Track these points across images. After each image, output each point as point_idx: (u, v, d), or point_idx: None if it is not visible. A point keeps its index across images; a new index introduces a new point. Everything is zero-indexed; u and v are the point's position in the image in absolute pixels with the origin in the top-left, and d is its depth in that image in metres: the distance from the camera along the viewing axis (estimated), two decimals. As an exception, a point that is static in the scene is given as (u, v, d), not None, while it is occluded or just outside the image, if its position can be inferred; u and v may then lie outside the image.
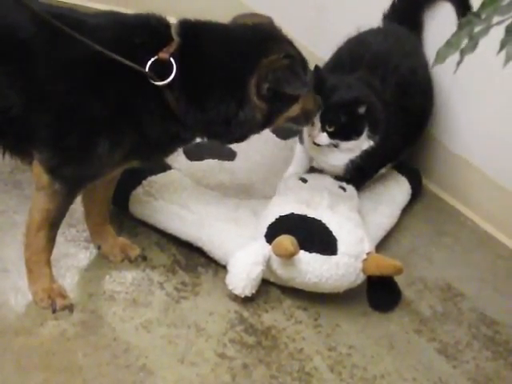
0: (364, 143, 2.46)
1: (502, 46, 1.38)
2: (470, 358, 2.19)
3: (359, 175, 2.53)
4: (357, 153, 2.47)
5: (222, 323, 2.20)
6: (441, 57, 1.47)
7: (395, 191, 2.65)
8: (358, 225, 2.34)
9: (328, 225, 2.29)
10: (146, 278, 2.30)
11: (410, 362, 2.16)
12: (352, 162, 2.48)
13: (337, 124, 2.40)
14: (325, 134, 2.42)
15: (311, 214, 2.31)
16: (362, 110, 2.39)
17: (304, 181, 2.44)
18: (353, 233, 2.30)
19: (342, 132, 2.42)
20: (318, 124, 2.41)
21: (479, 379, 2.13)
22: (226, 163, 2.66)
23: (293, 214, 2.31)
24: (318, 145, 2.44)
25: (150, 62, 1.91)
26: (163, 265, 2.36)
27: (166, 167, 2.52)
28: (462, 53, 1.43)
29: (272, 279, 2.33)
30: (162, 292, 2.26)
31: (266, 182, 2.61)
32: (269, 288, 2.33)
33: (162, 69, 1.92)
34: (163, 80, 1.92)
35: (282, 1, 3.28)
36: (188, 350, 2.10)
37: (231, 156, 2.69)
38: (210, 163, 2.64)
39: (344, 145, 2.44)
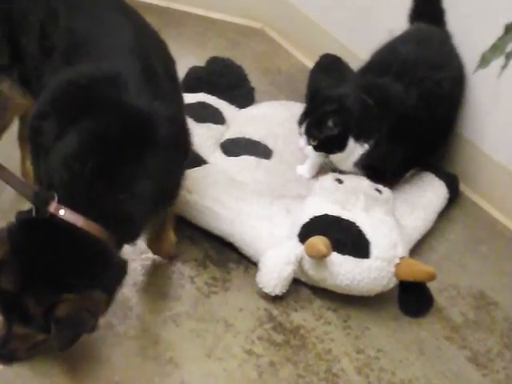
0: (357, 149, 2.47)
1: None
2: (500, 368, 2.16)
3: (377, 175, 2.51)
4: (356, 157, 2.48)
5: (251, 320, 2.20)
6: (485, 61, 1.45)
7: (432, 195, 2.62)
8: (393, 228, 2.32)
9: (362, 227, 2.27)
10: (177, 272, 2.30)
11: (439, 368, 2.14)
12: (357, 164, 2.50)
13: (317, 138, 2.46)
14: (310, 148, 2.48)
15: (346, 215, 2.29)
16: (330, 123, 2.42)
17: (340, 182, 2.42)
18: (387, 237, 2.28)
19: (323, 146, 2.47)
20: (304, 137, 2.48)
21: (509, 389, 2.11)
22: (263, 161, 2.65)
23: (327, 214, 2.30)
24: None
25: None
26: (194, 259, 2.36)
27: (201, 161, 2.51)
28: (508, 56, 1.42)
29: (303, 279, 2.32)
30: (193, 286, 2.26)
31: (301, 181, 2.60)
32: (299, 287, 2.32)
33: None
34: None
35: (326, 1, 3.28)
36: (216, 345, 2.09)
37: (267, 154, 2.68)
38: (246, 159, 2.62)
39: (332, 157, 2.50)
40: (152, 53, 1.99)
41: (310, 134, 2.46)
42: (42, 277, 1.73)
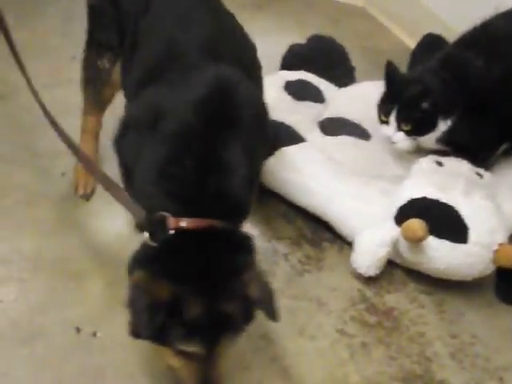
0: (441, 126, 2.42)
1: None
2: None
3: (462, 151, 2.47)
4: (439, 134, 2.45)
5: (344, 300, 2.20)
6: None
7: (534, 180, 2.55)
8: (492, 214, 2.27)
9: (461, 212, 2.23)
10: (271, 249, 2.31)
11: (536, 357, 2.09)
12: (441, 140, 2.47)
13: (410, 123, 2.42)
14: (400, 134, 2.44)
15: (444, 199, 2.26)
16: (425, 105, 2.38)
17: (440, 164, 2.38)
18: (486, 222, 2.23)
19: (417, 129, 2.43)
20: (393, 123, 2.42)
21: None
22: (360, 141, 2.63)
23: (425, 197, 2.27)
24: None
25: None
26: (289, 237, 2.37)
27: (299, 139, 2.51)
28: None
29: (398, 261, 2.30)
30: (286, 263, 2.27)
31: (399, 163, 2.57)
32: (394, 270, 2.31)
33: None
34: None
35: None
36: (308, 323, 2.10)
37: (366, 136, 2.66)
38: (344, 139, 2.61)
39: (421, 139, 2.46)
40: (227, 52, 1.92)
41: (403, 120, 2.43)
42: (218, 284, 1.63)
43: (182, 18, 1.96)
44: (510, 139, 2.59)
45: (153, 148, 1.74)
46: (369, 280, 2.26)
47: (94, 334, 1.96)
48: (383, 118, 2.47)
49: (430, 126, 2.42)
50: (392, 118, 2.44)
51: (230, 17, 2.09)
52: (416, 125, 2.42)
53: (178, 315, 1.57)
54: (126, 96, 2.08)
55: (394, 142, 2.47)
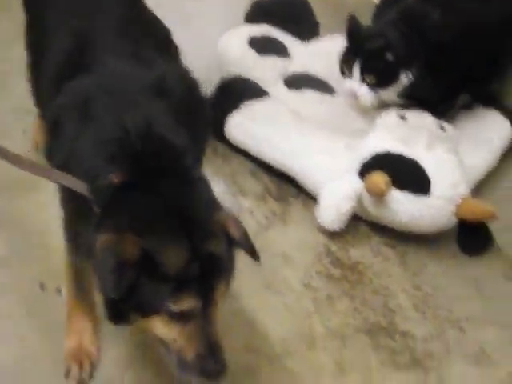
0: (402, 79, 2.42)
1: None
2: (558, 307, 2.16)
3: (423, 104, 2.47)
4: (400, 88, 2.44)
5: (310, 255, 2.22)
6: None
7: (496, 133, 2.57)
8: (455, 167, 2.30)
9: (424, 165, 2.25)
10: (236, 204, 2.32)
11: (496, 306, 2.14)
12: (402, 94, 2.47)
13: (375, 75, 2.41)
14: (365, 87, 2.43)
15: (407, 153, 2.27)
16: (388, 57, 2.38)
17: (403, 118, 2.40)
18: (448, 175, 2.26)
19: (381, 81, 2.42)
20: (356, 76, 2.42)
21: None
22: (325, 96, 2.63)
23: (388, 151, 2.28)
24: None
25: None
26: (254, 192, 2.38)
27: (264, 93, 2.51)
28: None
29: (362, 215, 2.32)
30: (252, 219, 2.28)
31: (364, 117, 2.58)
32: (358, 224, 2.33)
33: None
34: None
35: None
36: (274, 278, 2.12)
37: (330, 91, 2.66)
38: (308, 94, 2.61)
39: (384, 93, 2.45)
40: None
41: (366, 72, 2.42)
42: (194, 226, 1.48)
43: (88, 5, 1.85)
44: (468, 91, 2.61)
45: (90, 128, 1.60)
46: (334, 234, 2.28)
47: (59, 291, 1.97)
48: (346, 72, 2.46)
49: (392, 79, 2.42)
50: (355, 71, 2.43)
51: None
52: (379, 77, 2.42)
53: (159, 272, 1.40)
54: (39, 101, 1.92)
55: (357, 96, 2.47)
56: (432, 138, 2.32)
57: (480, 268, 2.26)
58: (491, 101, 2.70)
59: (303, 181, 2.38)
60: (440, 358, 2.00)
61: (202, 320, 1.47)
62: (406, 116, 2.40)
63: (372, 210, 2.27)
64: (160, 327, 1.47)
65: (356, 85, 2.45)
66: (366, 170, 2.26)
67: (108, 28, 1.78)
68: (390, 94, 2.47)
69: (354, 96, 2.48)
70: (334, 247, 2.25)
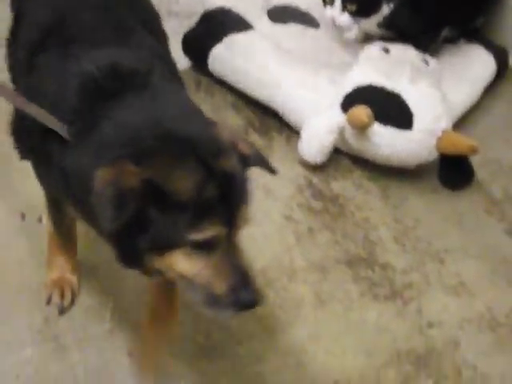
0: (384, 10, 2.41)
1: None
2: (537, 240, 2.18)
3: (404, 35, 2.46)
4: (380, 18, 2.43)
5: (291, 187, 2.22)
6: None
7: (479, 68, 2.56)
8: (437, 101, 2.29)
9: (406, 99, 2.24)
10: (218, 137, 2.31)
11: (476, 240, 2.15)
12: (382, 24, 2.45)
13: (356, 2, 2.38)
14: (346, 14, 2.41)
15: (390, 86, 2.26)
16: None
17: (386, 51, 2.38)
18: (430, 109, 2.25)
19: (362, 9, 2.40)
20: (338, 4, 2.39)
21: (545, 262, 2.12)
22: (309, 29, 2.61)
23: (371, 84, 2.27)
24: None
25: None
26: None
27: (247, 26, 2.48)
28: None
29: (344, 149, 2.32)
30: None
31: (347, 50, 2.56)
32: (340, 157, 2.33)
33: None
34: None
35: None
36: (255, 210, 2.12)
37: (315, 24, 2.64)
38: (292, 27, 2.59)
39: (365, 22, 2.43)
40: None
41: (350, 0, 2.39)
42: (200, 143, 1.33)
43: None
44: (451, 24, 2.58)
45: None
46: (315, 167, 2.28)
47: (40, 220, 1.97)
48: (328, 0, 2.43)
49: (373, 7, 2.40)
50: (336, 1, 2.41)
51: None
52: (361, 5, 2.39)
53: (171, 200, 1.27)
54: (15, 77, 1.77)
55: (338, 24, 2.44)
56: (415, 72, 2.31)
57: (461, 202, 2.27)
58: (476, 36, 2.69)
59: (286, 114, 2.37)
60: (419, 289, 2.02)
61: (227, 248, 1.34)
62: (390, 49, 2.38)
63: (354, 143, 2.26)
64: (181, 262, 1.32)
65: (337, 13, 2.42)
66: (348, 103, 2.25)
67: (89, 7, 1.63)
68: (371, 23, 2.45)
69: (334, 24, 2.45)
70: (315, 180, 2.25)
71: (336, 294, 1.97)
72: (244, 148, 1.39)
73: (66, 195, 1.51)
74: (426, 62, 2.38)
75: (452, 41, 2.66)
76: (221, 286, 1.34)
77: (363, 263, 2.06)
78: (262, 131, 2.38)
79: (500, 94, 2.63)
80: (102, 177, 1.28)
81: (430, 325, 1.93)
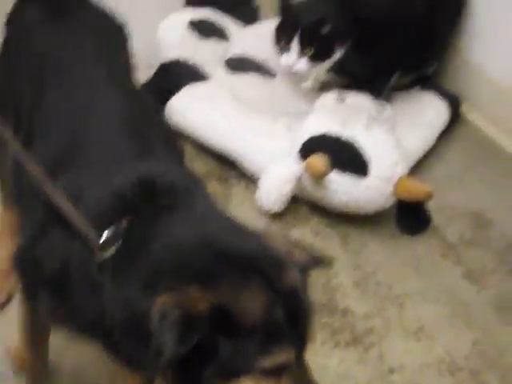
0: (337, 54, 2.44)
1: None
2: (494, 284, 2.21)
3: (355, 81, 2.51)
4: (332, 62, 2.45)
5: (251, 235, 2.23)
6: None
7: (433, 115, 2.62)
8: (393, 148, 2.33)
9: (362, 146, 2.28)
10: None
11: (434, 284, 2.18)
12: (334, 70, 2.48)
13: (314, 45, 2.40)
14: (304, 60, 2.42)
15: (346, 134, 2.30)
16: (326, 29, 2.38)
17: (342, 99, 2.42)
18: (386, 156, 2.29)
19: (319, 53, 2.42)
20: (295, 49, 2.41)
21: (502, 305, 2.15)
22: (267, 79, 2.65)
23: (327, 133, 2.30)
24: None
25: None
26: (197, 174, 2.37)
27: (204, 77, 2.52)
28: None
29: (302, 196, 2.35)
30: (194, 201, 2.29)
31: (304, 99, 2.60)
32: (298, 205, 2.36)
33: None
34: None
35: None
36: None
37: (271, 74, 2.68)
38: (250, 77, 2.63)
39: (319, 67, 2.45)
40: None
41: (306, 43, 2.41)
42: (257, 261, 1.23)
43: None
44: (400, 70, 2.63)
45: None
46: (275, 215, 2.30)
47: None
48: (283, 45, 2.44)
49: (328, 52, 2.43)
50: (294, 44, 2.41)
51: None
52: (318, 48, 2.41)
53: (239, 326, 1.15)
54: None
55: (295, 70, 2.46)
56: (370, 120, 2.36)
57: (418, 247, 2.30)
58: (429, 83, 2.76)
59: (245, 163, 2.39)
60: (380, 334, 2.03)
61: (298, 372, 1.22)
62: (345, 98, 2.43)
63: (312, 191, 2.29)
64: None
65: (294, 59, 2.43)
66: (305, 151, 2.28)
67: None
68: (324, 68, 2.48)
69: (291, 72, 2.47)
70: (275, 228, 2.27)
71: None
72: (300, 256, 1.30)
73: (95, 335, 1.35)
74: (381, 110, 2.43)
75: (406, 88, 2.72)
76: None
77: (324, 310, 2.07)
78: (221, 179, 2.40)
79: (453, 139, 2.69)
80: (165, 302, 1.15)
81: (391, 370, 1.94)
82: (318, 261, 1.35)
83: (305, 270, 1.29)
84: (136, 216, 1.29)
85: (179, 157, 1.61)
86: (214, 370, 1.17)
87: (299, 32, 2.39)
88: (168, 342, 1.11)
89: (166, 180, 1.34)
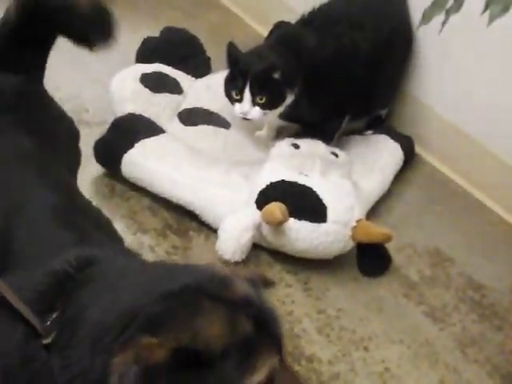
0: (287, 100, 2.46)
1: (487, 6, 1.40)
2: (456, 321, 2.22)
3: (306, 127, 2.55)
4: (282, 108, 2.48)
5: (213, 286, 2.22)
6: (427, 17, 1.48)
7: (388, 157, 2.65)
8: (349, 192, 2.35)
9: (319, 192, 2.29)
10: (136, 242, 2.31)
11: (397, 324, 2.19)
12: (284, 116, 2.51)
13: (265, 93, 2.42)
14: (257, 108, 2.44)
15: (302, 180, 2.32)
16: (276, 75, 2.40)
17: (296, 147, 2.45)
18: (343, 200, 2.31)
19: (271, 101, 2.44)
20: (247, 98, 2.43)
21: (465, 341, 2.16)
22: (220, 130, 2.67)
23: (283, 180, 2.32)
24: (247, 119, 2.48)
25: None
26: (154, 228, 2.38)
27: (159, 130, 2.53)
28: (448, 13, 1.45)
29: (263, 244, 2.35)
30: (153, 255, 2.28)
31: (259, 147, 2.63)
32: (259, 253, 2.36)
33: None
34: None
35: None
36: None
37: (225, 125, 2.70)
38: (203, 128, 2.65)
39: (271, 114, 2.47)
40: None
41: (257, 92, 2.43)
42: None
43: None
44: (350, 114, 2.65)
45: None
46: (236, 265, 2.29)
47: None
48: (235, 96, 2.47)
49: (280, 98, 2.45)
50: (246, 93, 2.43)
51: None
52: (269, 96, 2.43)
53: (206, 356, 1.08)
54: None
55: (250, 120, 2.48)
56: (325, 165, 2.38)
57: (380, 288, 2.31)
58: (382, 126, 2.80)
59: (203, 214, 2.39)
60: (346, 379, 2.03)
61: (282, 372, 1.15)
62: (299, 144, 2.45)
63: (271, 239, 2.30)
64: None
65: (247, 107, 2.45)
66: (263, 199, 2.29)
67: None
68: (276, 114, 2.51)
69: (245, 120, 2.50)
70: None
71: (264, 390, 1.97)
72: (245, 274, 1.22)
73: None
74: (336, 155, 2.45)
75: (360, 132, 2.76)
76: None
77: (289, 357, 2.06)
78: (179, 232, 2.39)
79: (409, 180, 2.73)
80: (120, 362, 1.07)
81: (359, 414, 1.94)
82: (262, 278, 1.28)
83: (254, 282, 1.21)
84: (70, 291, 1.23)
85: (115, 239, 1.56)
86: None
87: (249, 80, 2.42)
88: None
89: (97, 254, 1.30)
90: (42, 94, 1.79)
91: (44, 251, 1.36)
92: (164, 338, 1.07)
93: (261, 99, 2.44)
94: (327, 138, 2.51)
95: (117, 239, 1.57)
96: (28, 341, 1.22)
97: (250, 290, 1.17)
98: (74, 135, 1.83)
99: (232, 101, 2.49)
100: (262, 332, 1.12)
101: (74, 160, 1.80)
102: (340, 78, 2.53)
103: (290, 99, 2.46)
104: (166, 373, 1.06)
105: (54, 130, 1.73)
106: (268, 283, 1.30)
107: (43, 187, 1.51)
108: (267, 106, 2.45)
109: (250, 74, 2.42)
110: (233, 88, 2.48)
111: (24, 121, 1.65)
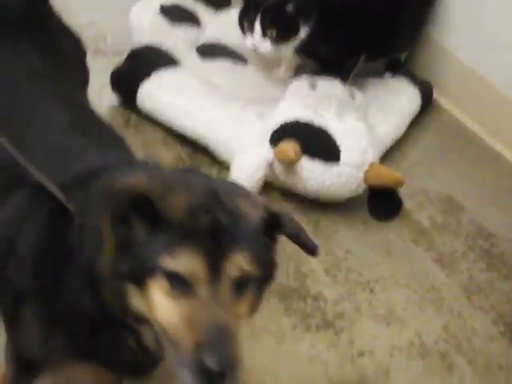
0: (302, 33, 2.44)
1: None
2: (464, 269, 2.23)
3: (321, 62, 2.53)
4: (297, 42, 2.45)
5: (222, 222, 2.22)
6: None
7: (405, 102, 2.63)
8: (364, 135, 2.33)
9: (333, 133, 2.28)
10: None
11: (405, 269, 2.19)
12: (299, 50, 2.48)
13: (276, 26, 2.40)
14: (268, 41, 2.42)
15: (317, 121, 2.30)
16: (289, 7, 2.38)
17: (313, 86, 2.42)
18: (357, 143, 2.29)
19: (283, 34, 2.42)
20: (258, 30, 2.41)
21: (471, 288, 2.17)
22: (238, 65, 2.64)
23: (298, 119, 2.30)
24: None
25: None
26: (168, 162, 2.37)
27: (175, 62, 2.50)
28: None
29: (275, 183, 2.34)
30: (165, 188, 2.28)
31: (276, 85, 2.60)
32: (270, 191, 2.35)
33: None
34: None
35: None
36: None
37: (243, 61, 2.67)
38: (221, 63, 2.62)
39: (284, 47, 2.45)
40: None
41: (268, 24, 2.41)
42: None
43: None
44: (366, 51, 2.59)
45: None
46: (247, 202, 2.29)
47: None
48: (247, 27, 2.44)
49: (293, 31, 2.43)
50: (257, 26, 2.42)
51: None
52: (281, 29, 2.41)
53: (159, 219, 1.11)
54: None
55: (259, 52, 2.46)
56: (341, 106, 2.36)
57: (389, 232, 2.31)
58: (401, 69, 2.76)
59: (216, 150, 2.38)
60: (350, 319, 2.04)
61: (208, 297, 1.10)
62: (316, 84, 2.42)
63: (283, 178, 2.29)
64: (157, 299, 1.11)
65: (258, 40, 2.43)
66: (276, 138, 2.27)
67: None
68: (290, 49, 2.47)
69: (256, 52, 2.48)
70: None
71: (268, 326, 1.98)
72: (271, 209, 1.23)
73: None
74: (353, 96, 2.42)
75: (378, 74, 2.72)
76: (187, 341, 1.09)
77: (295, 295, 2.07)
78: (192, 166, 2.39)
79: (425, 126, 2.71)
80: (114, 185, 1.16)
81: (361, 354, 1.95)
82: (299, 235, 1.35)
83: (270, 221, 1.22)
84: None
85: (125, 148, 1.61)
86: (126, 266, 1.12)
87: (261, 12, 2.39)
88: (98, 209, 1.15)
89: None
90: (48, 10, 1.79)
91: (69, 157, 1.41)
92: (148, 182, 1.14)
93: (271, 32, 2.41)
94: (342, 75, 2.47)
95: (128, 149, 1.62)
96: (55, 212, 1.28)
97: (249, 213, 1.16)
98: (81, 53, 1.85)
99: (244, 32, 2.47)
100: (215, 239, 1.11)
101: (82, 77, 1.82)
102: (358, 13, 2.49)
103: (303, 33, 2.43)
104: (126, 200, 1.12)
105: (60, 48, 1.74)
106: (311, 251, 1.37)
107: (58, 104, 1.53)
108: (278, 39, 2.42)
109: (262, 5, 2.39)
110: (245, 19, 2.45)
111: (31, 37, 1.66)
